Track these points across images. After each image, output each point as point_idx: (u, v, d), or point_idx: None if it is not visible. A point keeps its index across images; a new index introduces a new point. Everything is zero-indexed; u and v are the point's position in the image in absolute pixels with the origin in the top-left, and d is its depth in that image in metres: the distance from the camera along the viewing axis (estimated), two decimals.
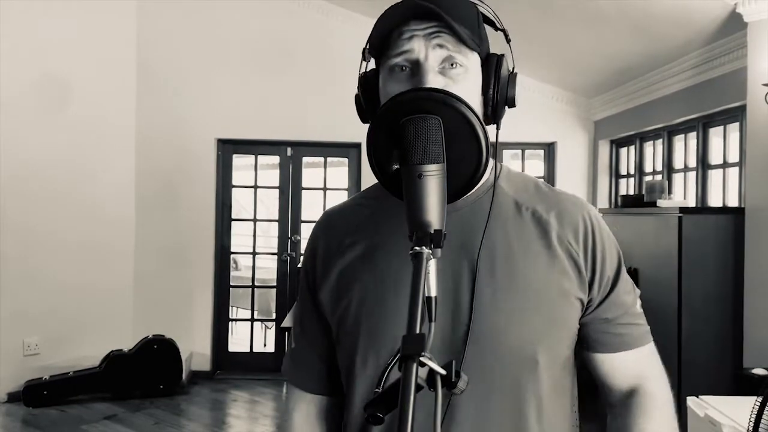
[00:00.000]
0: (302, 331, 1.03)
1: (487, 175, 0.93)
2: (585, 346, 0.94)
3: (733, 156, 3.84)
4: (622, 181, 5.37)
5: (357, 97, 0.93)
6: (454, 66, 0.84)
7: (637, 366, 0.95)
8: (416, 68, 0.84)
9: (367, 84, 0.92)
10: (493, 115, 0.89)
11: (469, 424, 0.85)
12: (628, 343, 0.93)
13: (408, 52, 0.84)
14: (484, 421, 0.86)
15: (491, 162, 0.95)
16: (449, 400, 0.83)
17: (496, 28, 0.92)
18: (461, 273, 0.87)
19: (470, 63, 0.86)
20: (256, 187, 5.53)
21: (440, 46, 0.83)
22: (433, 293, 0.69)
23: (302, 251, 5.37)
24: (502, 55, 0.89)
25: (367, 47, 0.89)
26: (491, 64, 0.88)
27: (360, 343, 0.90)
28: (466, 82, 0.85)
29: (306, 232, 5.54)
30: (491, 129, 0.91)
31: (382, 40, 0.86)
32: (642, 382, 0.94)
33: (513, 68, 0.91)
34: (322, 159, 5.52)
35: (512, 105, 0.90)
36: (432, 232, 0.71)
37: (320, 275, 0.97)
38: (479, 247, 0.87)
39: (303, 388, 1.03)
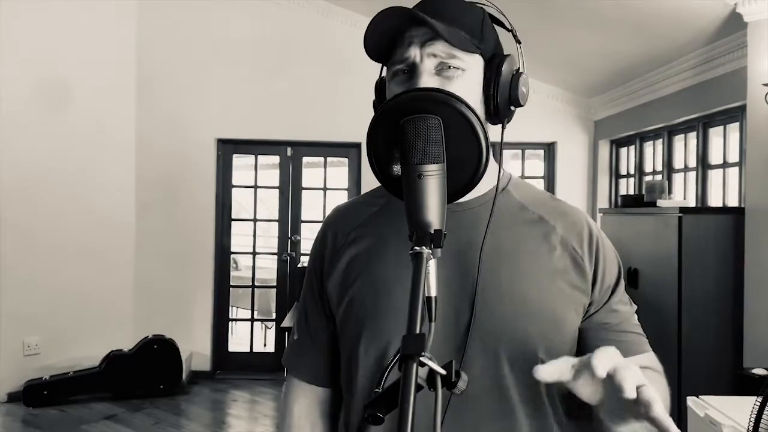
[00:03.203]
0: (306, 322, 1.06)
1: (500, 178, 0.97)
2: (585, 353, 0.94)
3: (733, 156, 3.84)
4: (622, 181, 5.37)
5: (374, 102, 0.98)
6: (450, 68, 0.87)
7: None
8: (413, 71, 0.88)
9: (382, 90, 0.96)
10: (496, 114, 0.90)
11: (470, 420, 0.87)
12: (628, 349, 0.93)
13: (407, 57, 0.88)
14: (481, 417, 0.87)
15: (496, 166, 0.97)
16: (449, 398, 0.83)
17: (508, 29, 0.94)
18: (468, 269, 0.89)
19: (469, 64, 0.88)
20: (256, 187, 5.53)
21: (433, 54, 0.87)
22: (433, 293, 0.69)
23: (302, 251, 5.44)
24: (506, 55, 0.91)
25: (369, 52, 0.91)
26: (493, 64, 0.90)
27: (363, 333, 0.93)
28: (462, 81, 0.87)
29: (306, 232, 5.54)
30: (496, 129, 0.93)
31: (387, 46, 0.90)
32: None
33: (518, 68, 0.93)
34: (322, 159, 5.52)
35: (517, 104, 0.92)
36: (432, 232, 0.72)
37: (327, 267, 1.00)
38: (481, 246, 0.88)
39: (303, 378, 1.06)
